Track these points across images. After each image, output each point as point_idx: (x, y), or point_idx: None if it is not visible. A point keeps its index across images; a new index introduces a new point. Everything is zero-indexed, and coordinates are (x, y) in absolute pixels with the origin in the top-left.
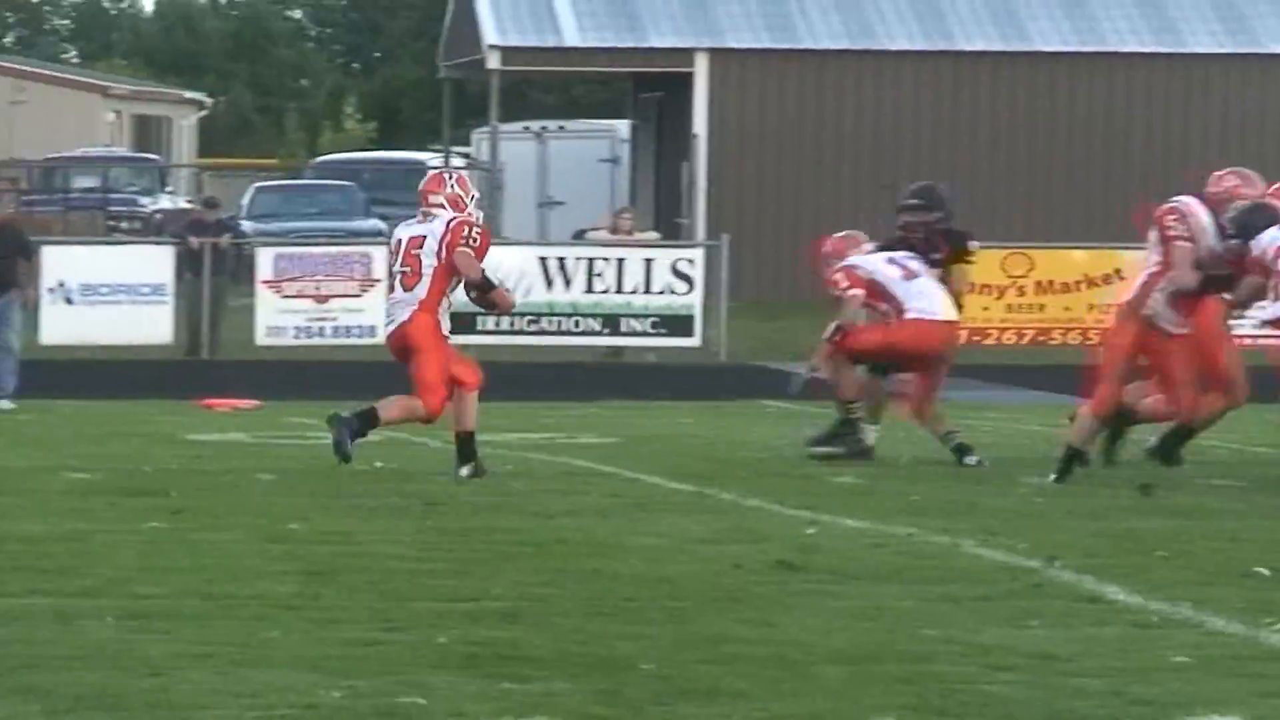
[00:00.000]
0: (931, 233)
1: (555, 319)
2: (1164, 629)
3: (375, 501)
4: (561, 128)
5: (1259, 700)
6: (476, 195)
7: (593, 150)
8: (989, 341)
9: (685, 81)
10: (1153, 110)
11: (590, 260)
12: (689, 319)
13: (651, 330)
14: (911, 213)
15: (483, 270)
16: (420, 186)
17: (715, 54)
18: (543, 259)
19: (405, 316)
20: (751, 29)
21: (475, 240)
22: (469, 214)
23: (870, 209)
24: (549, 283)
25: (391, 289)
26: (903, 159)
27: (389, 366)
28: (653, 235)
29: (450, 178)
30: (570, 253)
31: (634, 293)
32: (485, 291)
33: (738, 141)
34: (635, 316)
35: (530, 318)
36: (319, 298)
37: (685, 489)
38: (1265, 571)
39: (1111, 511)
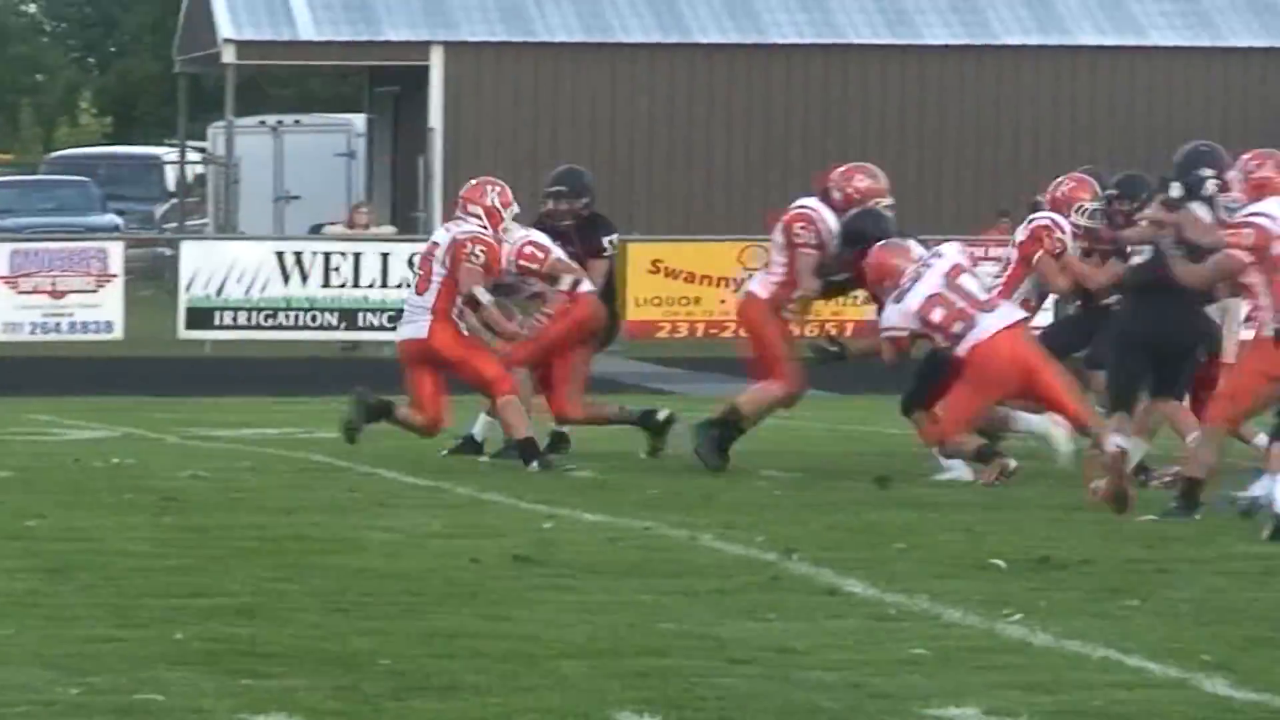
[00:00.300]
0: (580, 220)
1: (292, 314)
2: (902, 621)
3: (113, 498)
4: (297, 122)
5: (996, 692)
6: (515, 209)
7: (329, 145)
8: (726, 334)
9: (421, 75)
10: (947, 96)
11: (327, 255)
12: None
13: (389, 325)
14: (559, 199)
15: (475, 290)
16: (462, 191)
17: (450, 47)
18: (279, 254)
19: (422, 328)
20: (486, 22)
21: (478, 257)
22: (500, 229)
23: (606, 201)
24: (285, 278)
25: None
26: (638, 152)
27: (129, 364)
28: (389, 229)
29: (494, 189)
30: (307, 247)
31: (371, 287)
32: (475, 309)
33: (474, 135)
34: (372, 311)
35: (267, 312)
36: (55, 293)
37: (422, 484)
38: (1002, 564)
39: (849, 504)
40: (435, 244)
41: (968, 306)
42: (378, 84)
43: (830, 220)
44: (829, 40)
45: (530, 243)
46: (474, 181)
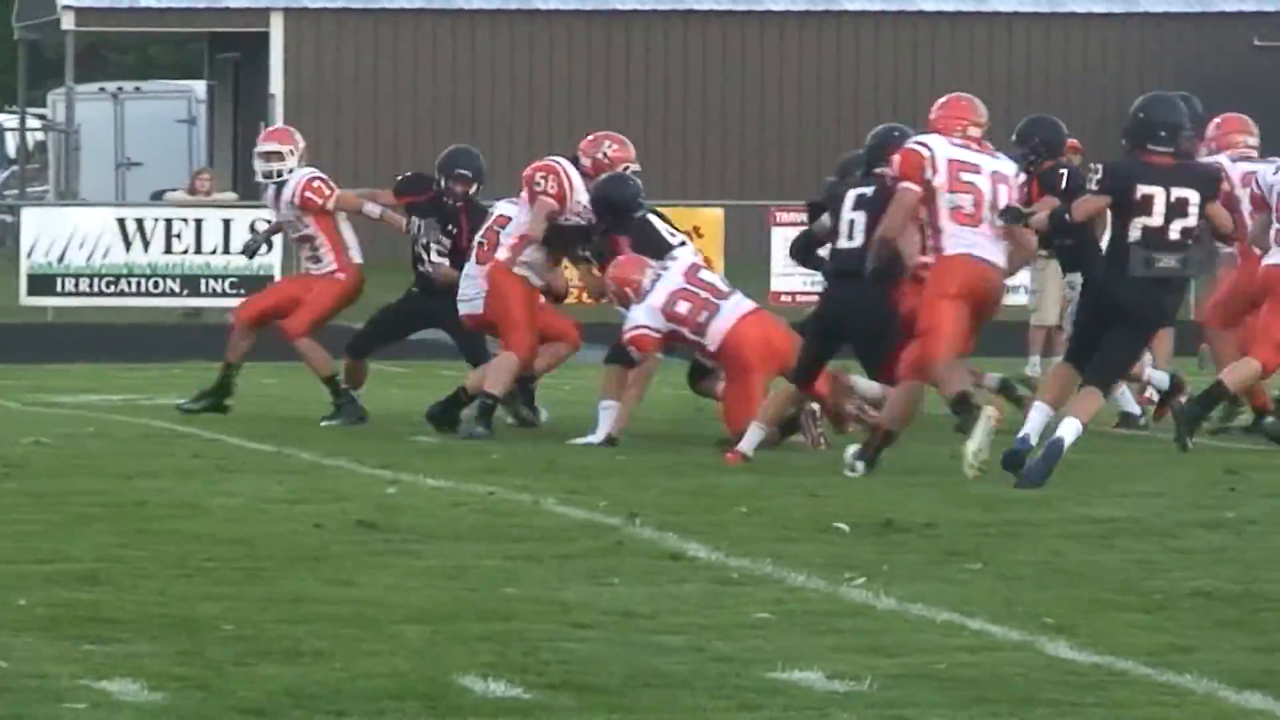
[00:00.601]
0: (468, 202)
1: (134, 280)
2: (745, 585)
3: None
4: (138, 89)
5: (839, 655)
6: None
7: (170, 111)
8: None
9: (261, 41)
10: (745, 68)
11: (168, 221)
12: (269, 279)
13: (230, 291)
14: (459, 181)
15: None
16: (525, 171)
17: (290, 13)
18: (120, 220)
19: (478, 304)
20: None
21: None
22: (572, 208)
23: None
24: (127, 244)
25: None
26: (481, 121)
27: None
28: (230, 196)
29: (565, 171)
30: (148, 214)
31: (213, 253)
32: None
33: (315, 102)
34: (214, 277)
35: (109, 279)
36: None
37: (264, 449)
38: (845, 527)
39: (692, 468)
40: (504, 217)
41: (711, 296)
42: (218, 50)
43: (576, 179)
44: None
45: (317, 178)
46: (540, 163)
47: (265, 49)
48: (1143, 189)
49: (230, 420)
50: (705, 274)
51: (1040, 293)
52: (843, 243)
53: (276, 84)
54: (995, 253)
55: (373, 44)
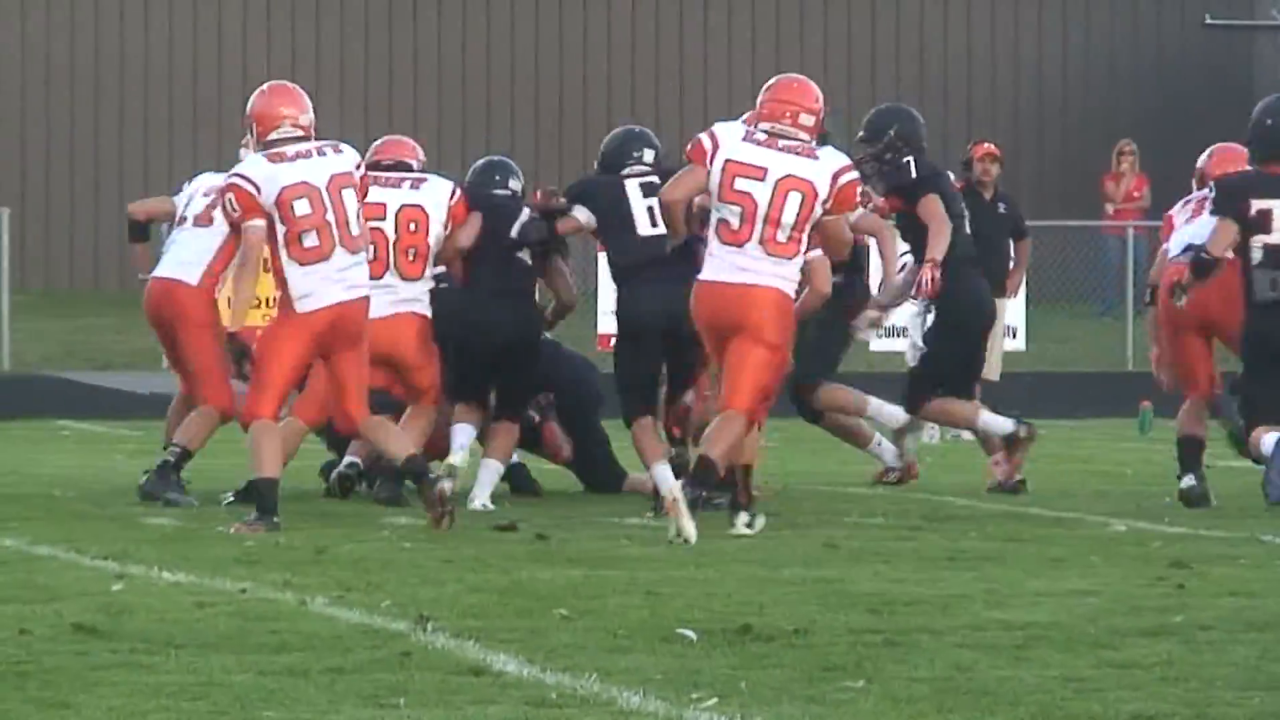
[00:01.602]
0: None
1: None
2: (566, 707)
3: None
4: None
5: None
6: None
7: None
8: None
9: None
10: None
11: None
12: None
13: None
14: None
15: None
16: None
17: None
18: None
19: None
20: None
21: None
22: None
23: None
24: None
25: None
26: (208, 104)
27: None
28: None
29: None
30: None
31: None
32: None
33: (19, 87)
34: None
35: None
36: None
37: None
38: (691, 634)
39: (499, 559)
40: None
41: None
42: None
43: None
44: None
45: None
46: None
47: None
48: (1259, 204)
49: None
50: None
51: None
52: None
53: None
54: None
55: (93, 15)
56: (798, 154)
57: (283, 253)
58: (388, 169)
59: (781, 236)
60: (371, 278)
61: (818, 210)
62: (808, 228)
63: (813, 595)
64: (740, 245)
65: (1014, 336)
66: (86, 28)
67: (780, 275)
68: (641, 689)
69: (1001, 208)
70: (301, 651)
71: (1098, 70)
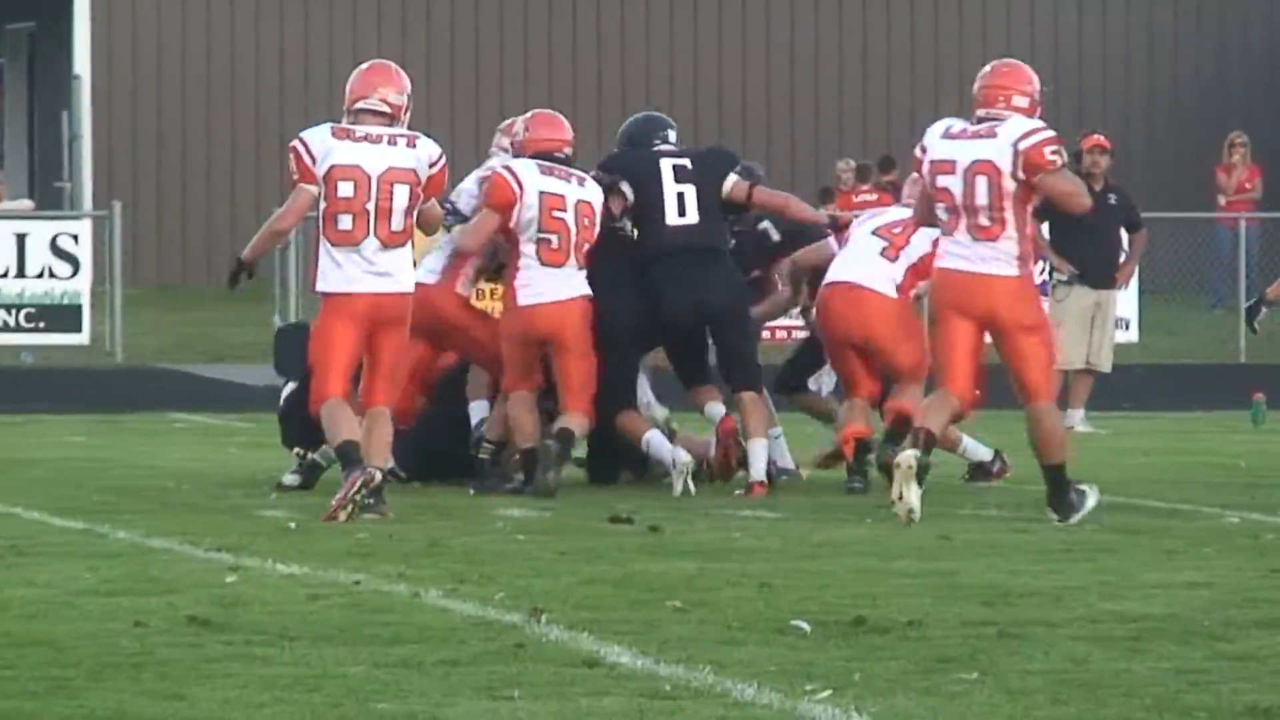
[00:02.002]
0: None
1: None
2: (680, 699)
3: None
4: None
5: None
6: None
7: None
8: None
9: (62, 8)
10: None
11: None
12: (75, 310)
13: (26, 324)
14: None
15: None
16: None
17: None
18: None
19: None
20: None
21: None
22: None
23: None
24: None
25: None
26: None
27: None
28: (26, 204)
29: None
30: None
31: (4, 276)
32: None
33: (131, 84)
34: (5, 307)
35: None
36: None
37: (74, 526)
38: (805, 626)
39: (612, 551)
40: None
41: None
42: (8, 19)
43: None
44: None
45: None
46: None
47: (68, 17)
48: None
49: (28, 489)
50: None
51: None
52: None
53: (83, 62)
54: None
55: (204, 14)
56: (981, 136)
57: (320, 227)
58: (561, 161)
59: (984, 220)
60: (553, 266)
61: (1009, 185)
62: (1007, 204)
63: (927, 587)
64: (954, 235)
65: (1126, 328)
66: (198, 22)
67: (992, 258)
68: (755, 681)
69: (1112, 199)
70: (415, 643)
71: (1208, 61)
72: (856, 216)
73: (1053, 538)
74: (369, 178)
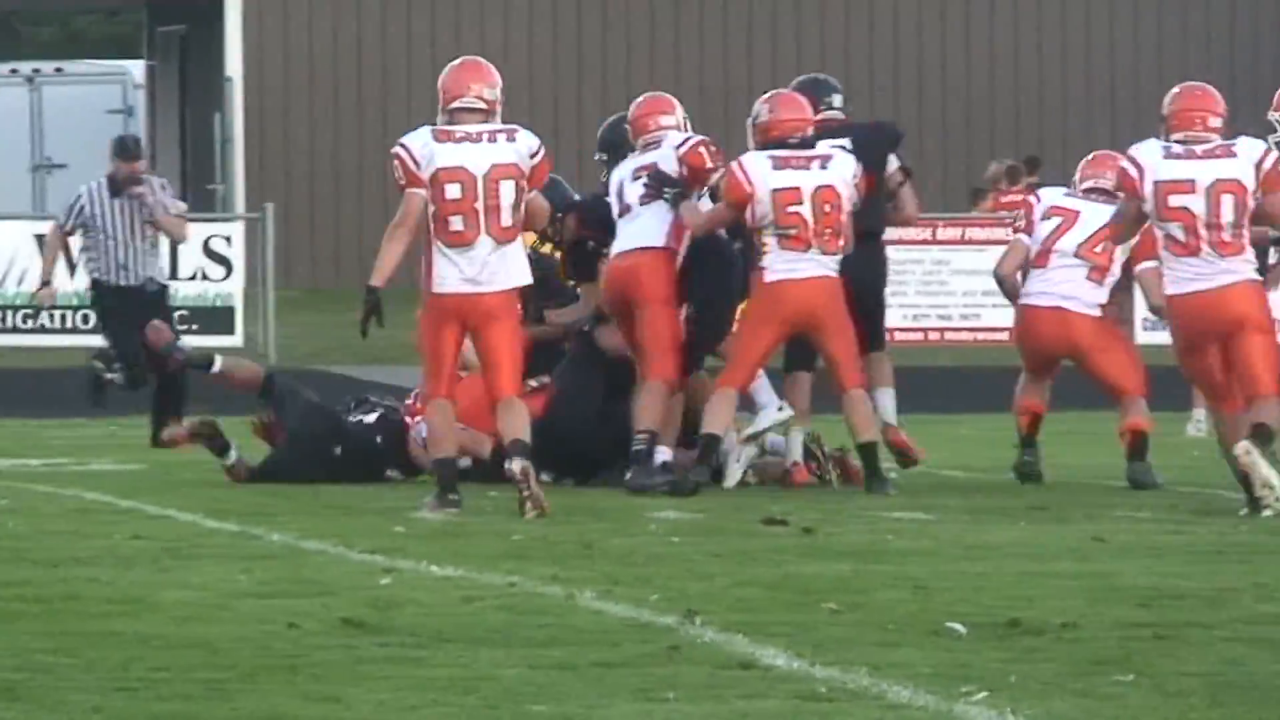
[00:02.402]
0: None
1: (57, 313)
2: (836, 701)
3: None
4: (59, 70)
5: None
6: None
7: (100, 98)
8: None
9: (214, 10)
10: None
11: None
12: (228, 311)
13: (181, 325)
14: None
15: None
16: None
17: None
18: (40, 237)
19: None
20: None
21: None
22: None
23: None
24: None
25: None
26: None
27: None
28: (179, 206)
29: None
30: None
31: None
32: None
33: (283, 86)
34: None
35: (26, 312)
36: None
37: (227, 528)
38: (960, 628)
39: (766, 553)
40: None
41: None
42: (160, 22)
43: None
44: None
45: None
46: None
47: (220, 20)
48: None
49: (183, 491)
50: None
51: None
52: None
53: (235, 64)
54: None
55: (354, 14)
56: (1218, 157)
57: (431, 230)
58: (799, 146)
59: (1227, 237)
60: (795, 252)
61: (1251, 203)
62: (1246, 219)
63: (1081, 589)
64: (1190, 257)
65: None
66: (349, 25)
67: (1234, 271)
68: (911, 683)
69: None
70: (570, 645)
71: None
72: (1014, 217)
73: (1207, 539)
74: (475, 177)
